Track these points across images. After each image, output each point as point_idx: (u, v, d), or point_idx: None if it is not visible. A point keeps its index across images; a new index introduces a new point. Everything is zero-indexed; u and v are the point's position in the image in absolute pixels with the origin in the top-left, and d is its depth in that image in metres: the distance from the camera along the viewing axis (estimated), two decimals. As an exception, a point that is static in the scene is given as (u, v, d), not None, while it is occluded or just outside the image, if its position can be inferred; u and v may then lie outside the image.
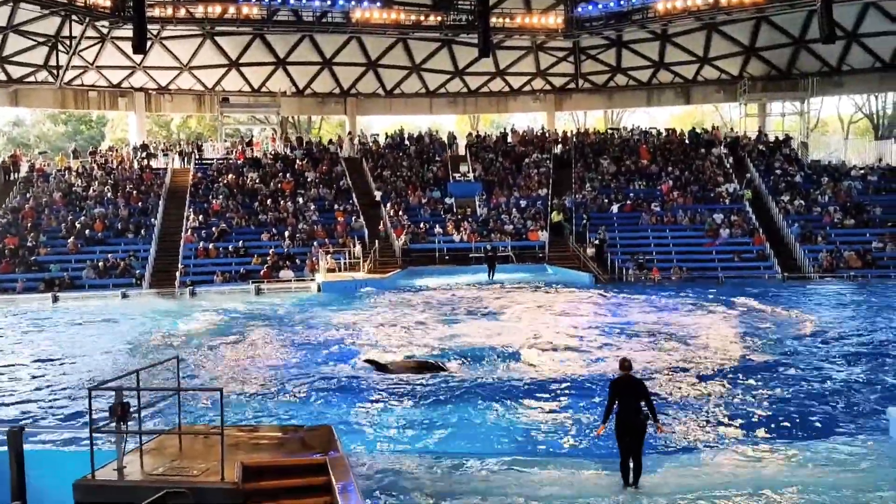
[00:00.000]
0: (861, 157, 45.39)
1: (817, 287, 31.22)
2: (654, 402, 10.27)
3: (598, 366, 17.33)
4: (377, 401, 14.92)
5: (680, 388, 15.34)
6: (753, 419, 13.34)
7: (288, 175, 41.32)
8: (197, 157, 43.70)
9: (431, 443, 12.48)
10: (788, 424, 13.11)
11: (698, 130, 46.94)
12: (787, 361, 17.61)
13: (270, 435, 10.32)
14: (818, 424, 13.16)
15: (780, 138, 44.60)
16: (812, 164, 42.64)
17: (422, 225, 37.37)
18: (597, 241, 35.56)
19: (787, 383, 15.62)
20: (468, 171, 42.00)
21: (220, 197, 38.88)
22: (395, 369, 16.77)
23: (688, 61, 46.14)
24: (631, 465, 9.83)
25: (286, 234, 36.09)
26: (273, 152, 44.34)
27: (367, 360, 17.59)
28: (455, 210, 39.04)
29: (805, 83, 44.09)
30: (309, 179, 41.18)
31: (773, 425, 13.03)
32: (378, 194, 39.83)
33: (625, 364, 9.95)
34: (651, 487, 9.98)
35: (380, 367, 16.95)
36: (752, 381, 15.83)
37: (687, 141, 44.87)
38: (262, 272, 33.10)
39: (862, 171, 41.25)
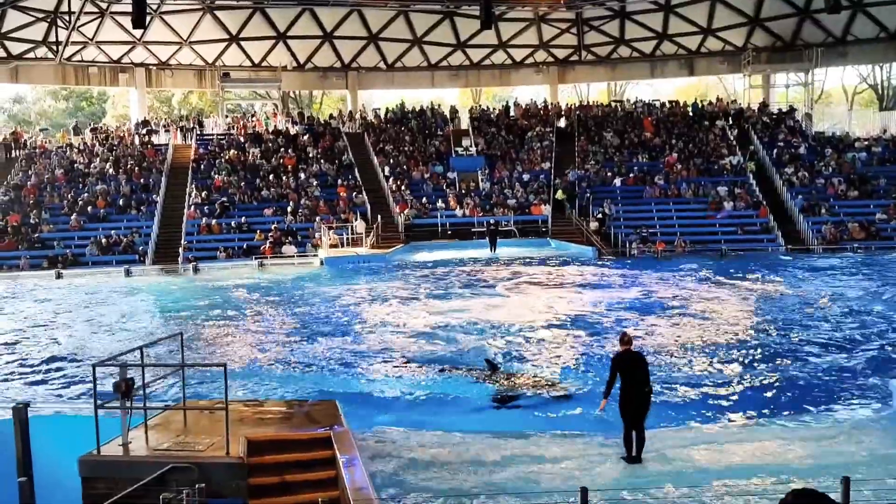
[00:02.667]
0: (865, 128, 45.06)
1: (821, 259, 31.14)
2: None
3: (601, 339, 17.34)
4: (382, 375, 14.97)
5: (687, 362, 15.38)
6: (760, 393, 13.39)
7: (290, 150, 41.17)
8: (198, 132, 43.55)
9: (437, 417, 12.52)
10: (791, 397, 13.15)
11: (702, 103, 46.63)
12: (790, 336, 17.63)
13: (275, 409, 10.35)
14: (822, 396, 13.19)
15: (784, 110, 44.34)
16: (816, 136, 42.39)
17: (424, 200, 37.27)
18: (599, 216, 35.46)
19: (791, 357, 15.65)
20: (470, 146, 41.84)
21: (223, 173, 38.79)
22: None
23: (691, 32, 45.74)
24: (634, 436, 9.86)
25: (288, 209, 36.04)
26: (275, 128, 44.17)
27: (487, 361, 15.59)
28: (457, 184, 38.93)
29: (809, 54, 43.72)
30: (311, 155, 41.05)
31: (777, 398, 13.08)
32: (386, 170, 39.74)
33: (625, 338, 9.94)
34: (656, 459, 10.01)
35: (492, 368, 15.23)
36: (756, 355, 15.86)
37: (691, 113, 44.60)
38: (264, 248, 33.10)
39: (866, 143, 41.01)
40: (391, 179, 38.72)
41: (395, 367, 15.58)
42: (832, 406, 12.76)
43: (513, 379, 14.15)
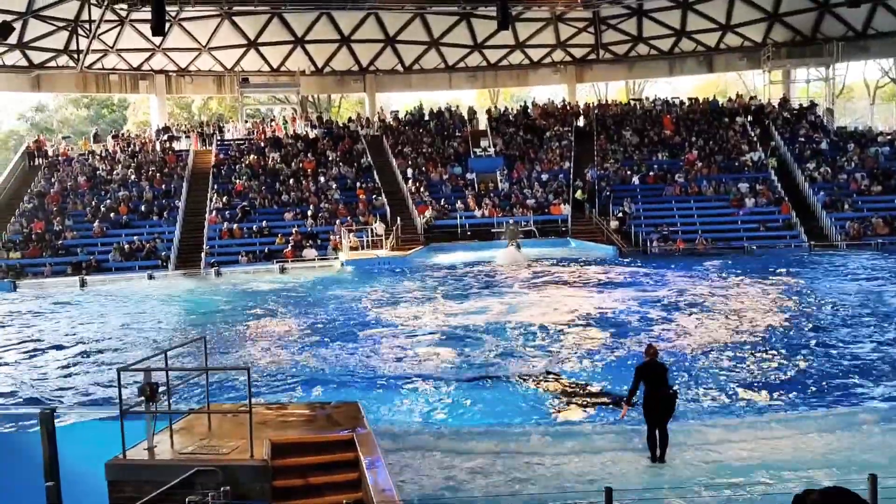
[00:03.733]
0: (888, 122, 44.67)
1: (845, 256, 30.82)
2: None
3: (625, 341, 17.28)
4: (404, 378, 14.98)
5: (712, 359, 15.33)
6: (787, 387, 13.36)
7: (309, 154, 41.33)
8: (218, 138, 43.83)
9: (458, 418, 12.52)
10: (819, 391, 13.11)
11: (721, 100, 46.31)
12: (818, 333, 17.49)
13: (298, 412, 10.37)
14: (849, 391, 13.12)
15: (805, 105, 43.93)
16: (838, 131, 41.97)
17: (443, 201, 37.28)
18: (619, 215, 35.31)
19: (819, 355, 15.53)
20: (489, 146, 41.80)
21: (243, 177, 38.99)
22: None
23: (710, 29, 45.43)
24: (658, 437, 9.97)
25: (309, 213, 36.17)
26: (294, 132, 44.36)
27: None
28: (476, 185, 38.90)
29: (830, 48, 43.28)
30: (330, 158, 41.18)
31: (802, 396, 12.99)
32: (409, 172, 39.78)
33: (650, 350, 10.34)
34: (679, 461, 9.97)
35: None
36: (782, 351, 15.76)
37: (710, 110, 44.30)
38: (285, 251, 33.24)
39: (889, 137, 40.58)
40: (410, 181, 38.75)
41: (417, 368, 15.59)
42: (860, 399, 12.68)
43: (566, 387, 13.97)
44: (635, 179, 38.16)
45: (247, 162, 40.48)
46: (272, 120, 49.23)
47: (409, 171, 39.51)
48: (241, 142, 43.32)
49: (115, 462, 8.39)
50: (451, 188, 38.90)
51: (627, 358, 15.71)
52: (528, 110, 46.36)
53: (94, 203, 37.10)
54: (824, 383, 13.60)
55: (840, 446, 10.38)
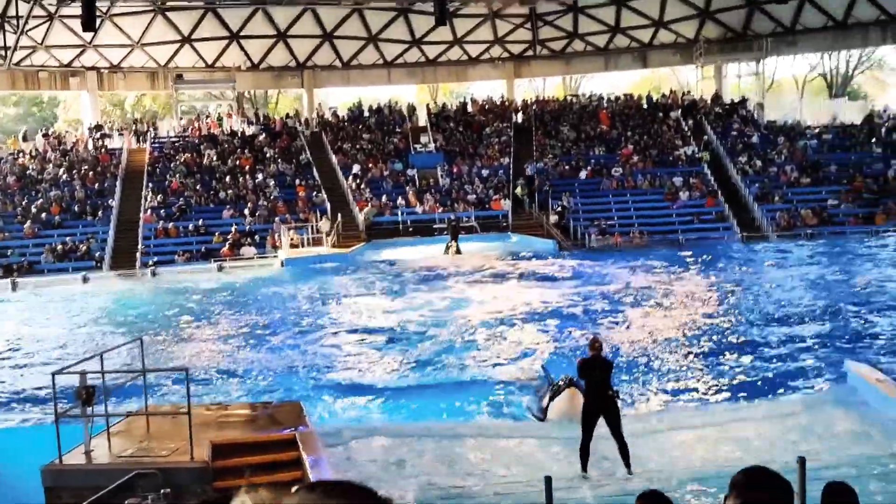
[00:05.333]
0: (816, 116, 45.99)
1: (776, 245, 31.81)
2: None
3: (565, 335, 17.63)
4: (345, 375, 15.07)
5: (649, 350, 15.75)
6: (720, 377, 13.86)
7: (246, 151, 40.85)
8: (153, 135, 43.00)
9: (400, 415, 12.69)
10: (751, 379, 13.62)
11: (656, 95, 47.20)
12: (747, 320, 18.09)
13: (239, 412, 10.34)
14: (780, 377, 13.66)
15: (737, 100, 45.05)
16: (768, 125, 43.12)
17: (384, 197, 37.25)
18: (559, 209, 35.75)
19: (750, 340, 16.10)
20: (429, 142, 41.87)
21: (178, 175, 38.36)
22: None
23: (644, 25, 46.25)
24: (618, 448, 9.45)
25: (246, 210, 35.78)
26: (230, 129, 43.78)
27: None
28: (417, 181, 38.99)
29: (760, 44, 44.45)
30: (268, 155, 40.77)
31: (736, 381, 13.51)
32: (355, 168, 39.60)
33: (595, 344, 9.71)
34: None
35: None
36: (716, 340, 16.30)
37: (645, 106, 45.14)
38: (223, 250, 32.83)
39: (817, 130, 41.85)
40: (350, 178, 38.63)
41: (359, 365, 15.67)
42: (790, 385, 13.21)
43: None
44: (582, 174, 38.64)
45: (182, 159, 39.81)
46: (208, 117, 48.48)
47: (354, 168, 39.34)
48: (177, 139, 42.56)
49: (51, 467, 8.26)
50: (392, 184, 38.90)
51: (573, 348, 16.06)
52: (468, 106, 46.58)
53: (24, 203, 36.06)
54: (755, 374, 14.12)
55: (773, 430, 10.77)
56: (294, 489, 1.13)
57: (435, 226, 35.49)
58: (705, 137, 41.15)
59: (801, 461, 6.58)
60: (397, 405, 13.30)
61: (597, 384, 9.41)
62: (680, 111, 43.68)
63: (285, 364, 16.14)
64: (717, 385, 13.55)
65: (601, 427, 9.35)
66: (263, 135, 42.70)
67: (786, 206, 35.31)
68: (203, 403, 11.61)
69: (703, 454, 10.05)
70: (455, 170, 39.67)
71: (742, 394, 12.94)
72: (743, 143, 40.45)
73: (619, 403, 9.59)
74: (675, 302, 20.96)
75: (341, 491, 1.30)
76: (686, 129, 42.25)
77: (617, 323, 18.92)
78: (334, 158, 40.50)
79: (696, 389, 13.29)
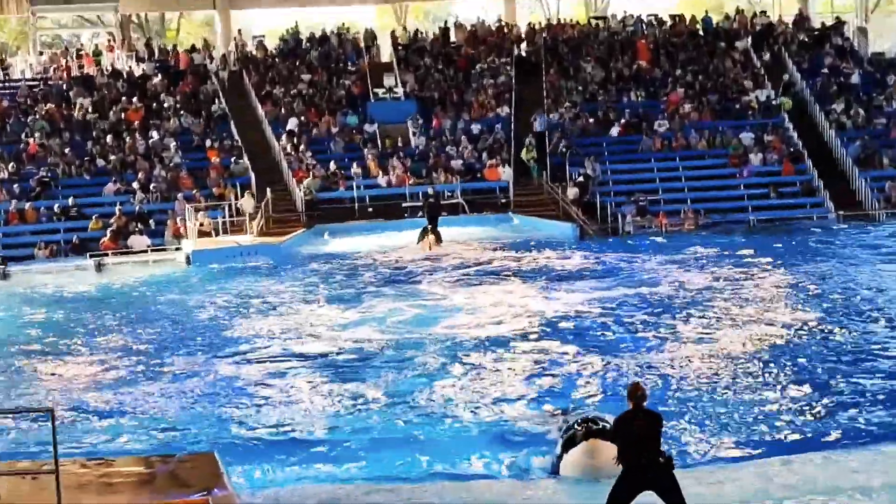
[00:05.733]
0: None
1: (886, 228, 32.02)
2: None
3: (597, 361, 17.72)
4: (278, 417, 15.13)
5: (712, 381, 16.04)
6: (809, 419, 14.17)
7: (135, 100, 40.64)
8: (1, 78, 42.68)
9: (348, 469, 12.82)
10: (849, 424, 13.83)
11: (716, 17, 47.34)
12: (846, 339, 18.42)
13: (129, 470, 10.34)
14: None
15: (830, 24, 45.24)
16: (874, 58, 43.36)
17: (332, 165, 37.22)
18: (580, 179, 35.85)
19: (852, 370, 16.41)
20: (396, 86, 41.77)
21: (38, 134, 38.17)
22: None
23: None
24: None
25: (136, 184, 35.65)
26: (112, 67, 43.51)
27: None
28: (379, 141, 38.94)
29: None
30: (166, 105, 40.59)
31: (829, 425, 13.73)
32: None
33: (637, 392, 9.59)
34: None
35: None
36: (803, 369, 16.63)
37: (701, 32, 45.25)
38: (103, 241, 32.66)
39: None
40: (284, 137, 38.52)
41: (294, 404, 15.73)
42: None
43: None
44: (614, 130, 38.67)
45: (44, 111, 39.58)
46: (80, 51, 48.16)
47: (291, 123, 39.23)
48: (35, 83, 42.27)
49: None
50: (344, 146, 38.83)
51: (602, 385, 16.13)
52: (450, 34, 46.49)
53: None
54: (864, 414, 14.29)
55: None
56: None
57: (405, 204, 35.42)
58: (786, 77, 41.36)
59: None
60: (351, 459, 13.30)
61: (639, 446, 9.44)
62: (750, 40, 43.83)
63: (193, 402, 16.08)
64: (797, 429, 13.73)
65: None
66: (159, 76, 42.47)
67: (900, 173, 35.64)
68: (76, 458, 11.59)
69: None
70: (433, 125, 39.64)
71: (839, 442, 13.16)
72: (839, 85, 40.68)
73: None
74: (747, 312, 21.08)
75: None
76: (759, 65, 42.42)
77: (663, 342, 19.00)
78: (261, 109, 40.35)
79: (764, 440, 13.41)
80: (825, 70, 41.75)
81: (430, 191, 34.83)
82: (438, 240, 31.85)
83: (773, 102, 39.96)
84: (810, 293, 23.04)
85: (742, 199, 35.53)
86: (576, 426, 12.10)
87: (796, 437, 13.53)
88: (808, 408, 14.71)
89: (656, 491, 9.44)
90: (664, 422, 9.87)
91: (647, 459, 9.39)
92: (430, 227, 32.01)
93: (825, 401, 14.92)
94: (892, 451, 12.48)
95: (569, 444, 11.86)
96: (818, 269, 26.10)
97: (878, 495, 10.77)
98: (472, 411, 15.25)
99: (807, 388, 15.62)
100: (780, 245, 29.27)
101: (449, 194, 35.75)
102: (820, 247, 29.52)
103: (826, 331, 19.39)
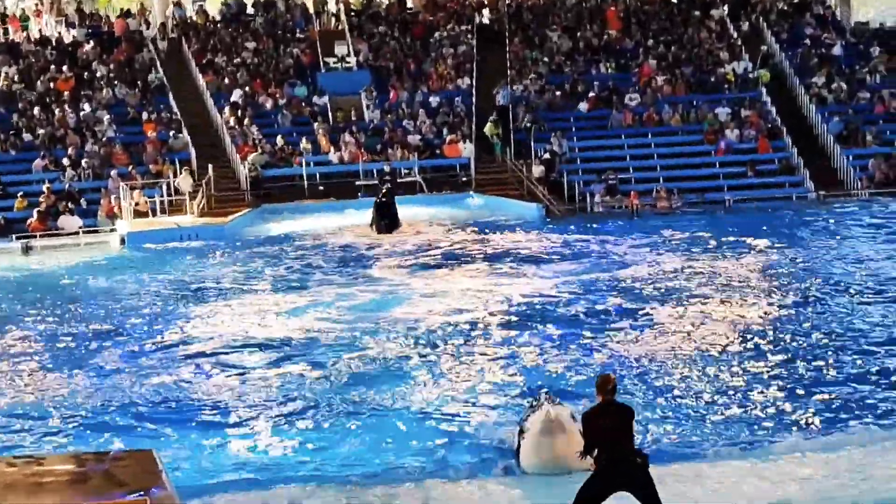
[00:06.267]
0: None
1: (867, 208, 32.32)
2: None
3: (559, 349, 17.84)
4: (220, 411, 15.13)
5: (686, 373, 16.17)
6: (791, 408, 14.35)
7: (65, 69, 40.26)
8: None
9: (301, 466, 12.89)
10: (832, 411, 14.13)
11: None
12: (828, 328, 18.65)
13: (60, 469, 10.26)
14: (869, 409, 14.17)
15: (811, -9, 45.55)
16: (857, 29, 43.69)
17: (279, 139, 37.06)
18: (546, 156, 35.91)
19: (832, 359, 16.62)
20: (348, 55, 41.65)
21: (-42, 106, 37.78)
22: None
23: None
24: None
25: (66, 160, 35.36)
26: (39, 34, 43.05)
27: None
28: (330, 115, 38.82)
29: None
30: (99, 75, 40.24)
31: (810, 414, 14.00)
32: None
33: (607, 385, 9.55)
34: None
35: None
36: (782, 357, 16.82)
37: (675, 0, 45.40)
38: (30, 222, 32.40)
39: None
40: (227, 109, 38.31)
41: (237, 397, 15.71)
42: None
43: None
44: (582, 104, 38.70)
45: (-36, 82, 39.18)
46: (4, 15, 47.56)
47: (235, 95, 39.02)
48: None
49: None
50: (292, 119, 38.69)
51: (570, 375, 16.19)
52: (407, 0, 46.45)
53: None
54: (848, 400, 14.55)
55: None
56: None
57: (358, 182, 35.36)
58: (764, 48, 41.60)
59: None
60: (299, 457, 13.36)
61: (610, 444, 9.38)
62: (726, 8, 44.03)
63: (129, 395, 16.01)
64: (780, 419, 13.90)
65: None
66: (91, 43, 42.08)
67: (883, 151, 35.92)
68: (2, 456, 11.51)
69: None
70: (389, 97, 39.56)
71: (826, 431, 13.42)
72: (820, 57, 40.97)
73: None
74: (722, 296, 21.25)
75: None
76: (735, 35, 42.64)
77: (635, 328, 19.10)
78: (202, 80, 40.11)
79: (748, 429, 13.60)
80: (806, 41, 41.99)
81: (386, 168, 34.78)
82: (396, 224, 31.65)
83: (751, 75, 40.18)
84: (788, 276, 23.30)
85: (718, 178, 35.75)
86: (532, 406, 12.15)
87: (773, 425, 13.71)
88: (786, 393, 14.92)
89: (631, 491, 9.35)
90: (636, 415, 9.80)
91: (621, 457, 9.32)
92: (383, 208, 31.89)
93: (803, 385, 15.18)
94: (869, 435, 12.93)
95: (523, 428, 11.92)
96: (797, 251, 26.34)
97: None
98: (428, 404, 15.28)
99: (784, 373, 15.87)
100: (758, 226, 29.39)
101: (406, 172, 35.73)
102: (799, 228, 29.77)
103: (803, 315, 19.62)
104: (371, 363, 17.54)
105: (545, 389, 13.36)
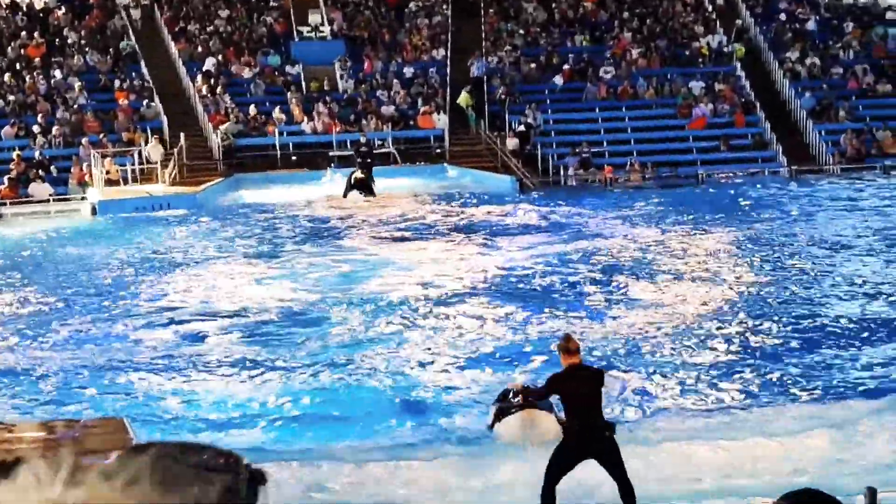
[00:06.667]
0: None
1: (838, 183, 32.56)
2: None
3: (533, 320, 17.94)
4: (191, 379, 15.15)
5: (656, 343, 16.30)
6: (760, 377, 14.55)
7: (36, 35, 39.95)
8: None
9: (276, 435, 12.93)
10: (802, 379, 14.35)
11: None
12: (798, 300, 18.84)
13: (31, 436, 10.28)
14: (844, 378, 14.45)
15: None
16: (831, 4, 43.77)
17: (252, 109, 36.93)
18: (521, 128, 35.91)
19: (802, 330, 16.81)
20: (322, 24, 41.48)
21: (-74, 71, 37.45)
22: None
23: None
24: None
25: (37, 127, 35.14)
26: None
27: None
28: (304, 84, 38.69)
29: None
30: (70, 41, 39.95)
31: (783, 382, 14.19)
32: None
33: (570, 346, 9.44)
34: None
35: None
36: (754, 327, 16.98)
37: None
38: (1, 189, 32.22)
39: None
40: (200, 78, 38.13)
41: (207, 364, 15.74)
42: (857, 389, 14.00)
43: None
44: (557, 77, 38.68)
45: (-67, 47, 38.81)
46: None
47: (208, 63, 38.82)
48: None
49: None
50: (265, 89, 38.55)
51: (545, 348, 16.25)
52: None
53: None
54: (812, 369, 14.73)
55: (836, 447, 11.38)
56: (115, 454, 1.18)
57: (331, 153, 35.29)
58: (738, 22, 41.69)
59: (871, 492, 6.83)
60: (270, 424, 13.42)
61: (580, 410, 9.31)
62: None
63: (101, 362, 16.02)
64: (752, 389, 14.04)
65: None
66: (62, 9, 41.74)
67: (855, 126, 36.14)
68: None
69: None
70: (363, 67, 39.45)
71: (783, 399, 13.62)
72: (794, 32, 41.10)
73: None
74: (694, 269, 21.42)
75: (182, 450, 1.37)
76: (710, 8, 42.70)
77: (610, 301, 19.24)
78: (174, 48, 39.89)
79: (719, 394, 13.76)
80: (780, 16, 42.11)
81: (362, 139, 34.62)
82: (371, 193, 31.75)
83: (725, 49, 40.29)
84: (759, 249, 23.52)
85: (691, 152, 35.87)
86: (510, 395, 12.18)
87: (746, 398, 13.85)
88: (758, 366, 15.08)
89: (599, 460, 9.30)
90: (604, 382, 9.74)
91: (593, 425, 9.25)
92: (360, 178, 31.87)
93: (774, 358, 15.38)
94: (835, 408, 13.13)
95: (502, 412, 11.93)
96: (768, 225, 26.54)
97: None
98: (399, 379, 15.29)
99: (757, 345, 16.09)
100: (730, 200, 29.63)
101: (379, 143, 35.65)
102: (770, 202, 29.94)
103: (774, 287, 19.81)
104: (343, 335, 17.54)
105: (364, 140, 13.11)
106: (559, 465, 9.25)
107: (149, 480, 0.91)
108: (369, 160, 32.78)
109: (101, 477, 0.89)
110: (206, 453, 1.37)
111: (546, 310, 18.66)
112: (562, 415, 10.14)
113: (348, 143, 34.91)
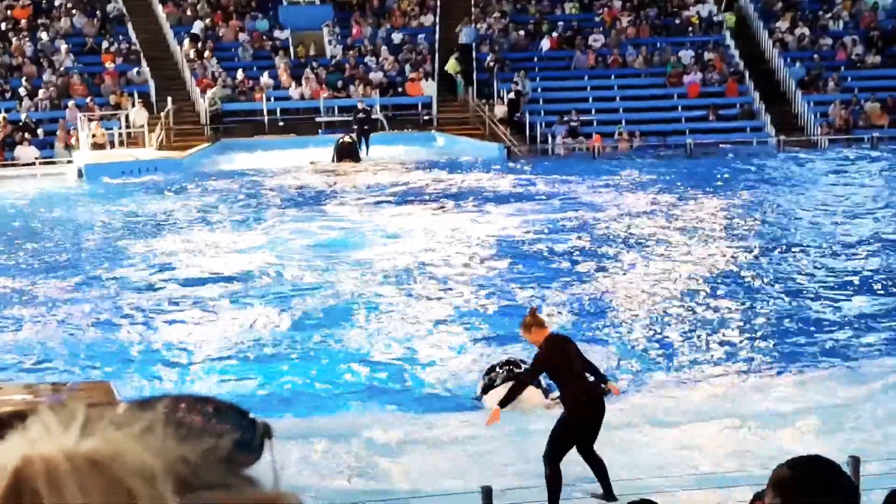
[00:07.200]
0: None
1: (827, 154, 32.65)
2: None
3: (517, 295, 17.90)
4: (173, 345, 15.25)
5: (644, 312, 16.42)
6: (750, 344, 14.75)
7: (22, -4, 39.74)
8: None
9: (259, 400, 12.88)
10: (790, 349, 14.54)
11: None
12: (788, 271, 18.93)
13: (16, 399, 10.24)
14: (833, 347, 14.64)
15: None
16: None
17: (240, 73, 36.80)
18: (510, 96, 35.84)
19: (791, 299, 16.95)
20: (310, -12, 41.34)
21: (-89, 32, 37.19)
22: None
23: None
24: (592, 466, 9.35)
25: (23, 90, 34.98)
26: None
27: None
28: (291, 49, 38.54)
29: None
30: (57, 3, 39.69)
31: (773, 351, 14.39)
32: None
33: (538, 318, 9.46)
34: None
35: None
36: (741, 296, 17.12)
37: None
38: (-13, 152, 32.15)
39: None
40: (187, 42, 37.94)
41: (196, 330, 15.77)
42: (847, 359, 14.13)
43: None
44: (545, 43, 38.60)
45: (-83, 7, 38.52)
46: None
47: (193, 28, 38.63)
48: None
49: None
50: (253, 53, 38.39)
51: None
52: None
53: None
54: (796, 343, 14.92)
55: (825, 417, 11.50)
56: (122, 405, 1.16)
57: (318, 119, 35.20)
58: (729, -9, 41.62)
59: (855, 461, 6.89)
60: (258, 389, 13.47)
61: (576, 376, 9.20)
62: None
63: (84, 326, 16.07)
64: (740, 353, 14.19)
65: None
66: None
67: (844, 97, 36.17)
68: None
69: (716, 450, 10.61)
70: (352, 33, 39.30)
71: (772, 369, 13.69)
72: (784, 2, 41.01)
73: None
74: (682, 239, 21.50)
75: (194, 402, 1.37)
76: (701, -23, 42.60)
77: (599, 269, 19.30)
78: (161, 11, 39.67)
79: (709, 363, 13.90)
80: (771, -15, 42.06)
81: (360, 105, 34.41)
82: (357, 159, 31.70)
83: (715, 19, 40.23)
84: (748, 219, 23.59)
85: (679, 122, 35.87)
86: (497, 368, 12.22)
87: (732, 368, 13.96)
88: (748, 334, 15.26)
89: (596, 424, 9.21)
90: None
91: (589, 386, 9.27)
92: (348, 143, 31.85)
93: (764, 326, 15.53)
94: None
95: (489, 387, 11.98)
96: (756, 194, 26.62)
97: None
98: (385, 344, 15.35)
99: (745, 314, 16.23)
100: (718, 170, 29.67)
101: (368, 109, 35.53)
102: (759, 171, 30.00)
103: (763, 257, 19.94)
104: (328, 301, 17.54)
105: (506, 356, 13.07)
106: (564, 440, 9.11)
107: (163, 430, 0.90)
108: (366, 126, 32.86)
109: (114, 426, 0.88)
110: (217, 405, 1.37)
111: (535, 276, 18.71)
112: (554, 394, 10.25)
113: (335, 110, 34.79)
